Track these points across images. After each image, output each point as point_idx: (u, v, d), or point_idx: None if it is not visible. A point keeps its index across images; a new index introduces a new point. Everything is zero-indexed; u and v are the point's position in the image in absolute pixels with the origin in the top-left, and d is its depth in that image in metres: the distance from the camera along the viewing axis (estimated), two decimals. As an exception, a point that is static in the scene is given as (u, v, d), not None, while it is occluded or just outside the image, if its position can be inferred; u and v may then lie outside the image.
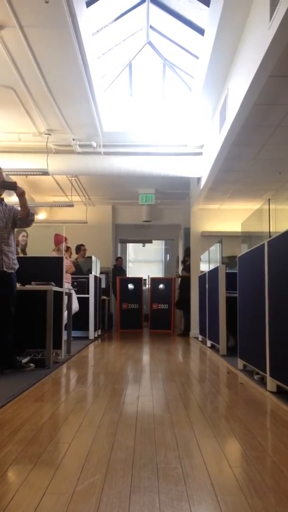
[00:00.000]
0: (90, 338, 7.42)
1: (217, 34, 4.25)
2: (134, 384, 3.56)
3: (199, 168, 7.16)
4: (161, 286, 9.91)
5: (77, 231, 9.59)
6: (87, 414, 2.58)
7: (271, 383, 3.32)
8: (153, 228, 11.73)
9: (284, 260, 3.10)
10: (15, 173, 7.01)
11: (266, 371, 3.44)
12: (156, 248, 14.24)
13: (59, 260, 4.99)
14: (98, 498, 1.47)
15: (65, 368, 4.41)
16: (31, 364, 4.18)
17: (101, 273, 8.98)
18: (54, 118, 6.18)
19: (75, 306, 6.93)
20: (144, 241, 12.89)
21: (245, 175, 6.60)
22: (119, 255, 11.89)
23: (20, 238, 5.96)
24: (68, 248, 7.62)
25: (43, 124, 6.37)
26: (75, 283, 7.61)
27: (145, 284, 10.53)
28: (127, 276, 11.18)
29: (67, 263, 6.34)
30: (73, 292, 6.40)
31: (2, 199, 4.14)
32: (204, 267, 7.84)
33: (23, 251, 6.09)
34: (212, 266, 6.75)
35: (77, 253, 8.74)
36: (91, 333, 7.49)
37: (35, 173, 7.10)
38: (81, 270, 8.24)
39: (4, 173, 4.22)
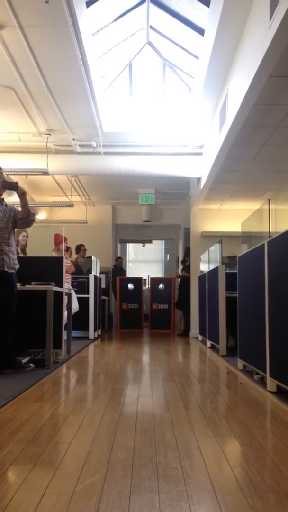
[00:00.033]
0: (90, 338, 7.42)
1: (217, 34, 4.25)
2: (134, 384, 3.56)
3: (199, 168, 7.16)
4: (161, 286, 9.91)
5: (77, 231, 9.59)
6: (87, 414, 2.58)
7: (271, 383, 3.32)
8: (153, 228, 11.73)
9: (284, 260, 3.10)
10: (15, 173, 7.01)
11: (266, 371, 3.44)
12: (156, 248, 14.24)
13: (59, 260, 4.99)
14: (98, 498, 1.47)
15: (65, 368, 4.41)
16: (31, 364, 4.18)
17: (101, 273, 8.98)
18: (54, 118, 6.18)
19: (75, 306, 6.93)
20: (144, 241, 12.90)
21: (245, 175, 6.60)
22: (119, 255, 11.89)
23: (20, 238, 5.96)
24: (68, 248, 7.62)
25: (43, 124, 6.37)
26: (75, 283, 7.61)
27: (145, 284, 10.53)
28: (127, 276, 11.18)
29: (67, 263, 6.34)
30: (73, 292, 6.40)
31: (3, 199, 4.15)
32: (204, 267, 7.84)
33: (23, 251, 6.09)
34: (212, 266, 6.75)
35: (77, 253, 8.74)
36: (91, 333, 7.49)
37: (35, 173, 7.10)
38: (81, 270, 8.23)
39: (4, 173, 4.22)
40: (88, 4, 4.49)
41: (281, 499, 1.48)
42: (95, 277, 7.93)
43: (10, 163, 6.69)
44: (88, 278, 7.75)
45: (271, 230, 4.04)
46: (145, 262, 14.06)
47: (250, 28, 3.93)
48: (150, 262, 14.14)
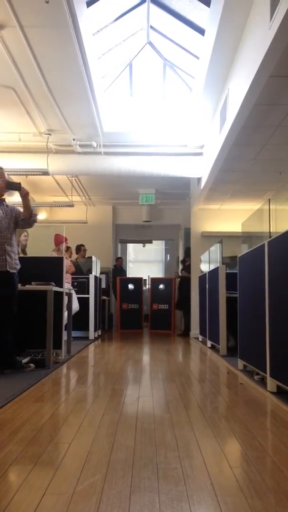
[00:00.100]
0: (90, 338, 7.41)
1: (218, 34, 4.25)
2: (134, 385, 3.56)
3: (199, 168, 7.16)
4: (161, 286, 9.90)
5: (77, 231, 9.59)
6: (87, 414, 2.58)
7: (271, 384, 3.32)
8: (153, 228, 11.73)
9: (284, 260, 3.10)
10: (15, 173, 7.00)
11: (266, 371, 3.44)
12: (156, 248, 14.24)
13: (59, 260, 4.99)
14: (98, 498, 1.47)
15: (65, 368, 4.41)
16: (31, 364, 4.18)
17: (101, 273, 8.97)
18: (54, 118, 6.18)
19: (75, 306, 6.93)
20: (144, 241, 12.89)
21: (245, 175, 6.59)
22: (119, 255, 11.89)
23: (22, 238, 5.97)
24: (68, 248, 7.62)
25: (43, 124, 6.37)
26: (75, 283, 7.61)
27: (145, 284, 10.52)
28: (127, 276, 11.18)
29: (67, 263, 6.34)
30: (73, 292, 6.40)
31: (4, 200, 4.15)
32: (205, 268, 7.84)
33: (23, 251, 6.10)
34: (212, 267, 6.74)
35: (77, 253, 8.74)
36: (91, 333, 7.49)
37: (35, 173, 7.10)
38: (81, 270, 8.23)
39: (6, 174, 4.22)
40: (89, 4, 4.49)
41: (281, 499, 1.48)
42: (95, 277, 7.93)
43: (10, 163, 6.69)
44: (88, 278, 7.75)
45: (271, 230, 4.05)
46: (145, 262, 14.06)
47: (251, 28, 3.93)
48: (150, 262, 14.14)
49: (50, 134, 6.68)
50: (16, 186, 4.02)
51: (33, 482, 1.60)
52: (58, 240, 6.68)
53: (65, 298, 5.05)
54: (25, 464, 1.78)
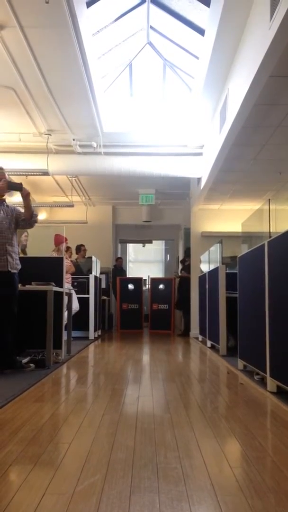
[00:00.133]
0: (90, 338, 7.41)
1: (217, 34, 4.25)
2: (134, 385, 3.56)
3: (199, 168, 7.16)
4: (161, 286, 9.91)
5: (77, 231, 9.59)
6: (87, 414, 2.58)
7: (271, 384, 3.32)
8: (153, 228, 11.73)
9: (284, 260, 3.10)
10: (15, 173, 7.00)
11: (266, 371, 3.44)
12: (156, 248, 14.24)
13: (59, 260, 4.99)
14: (98, 498, 1.47)
15: (65, 368, 4.41)
16: (31, 364, 4.18)
17: (101, 273, 8.98)
18: (54, 118, 6.18)
19: (75, 306, 6.93)
20: (144, 241, 12.90)
21: (245, 175, 6.60)
22: (119, 255, 11.89)
23: (22, 238, 5.97)
24: (68, 248, 7.62)
25: (43, 124, 6.37)
26: (75, 283, 7.61)
27: (145, 284, 10.53)
28: (127, 276, 11.18)
29: (67, 263, 6.34)
30: (73, 292, 6.40)
31: (4, 200, 4.15)
32: (204, 268, 7.84)
33: (23, 251, 6.10)
34: (212, 267, 6.75)
35: (77, 253, 8.74)
36: (91, 333, 7.49)
37: (35, 173, 7.10)
38: (81, 270, 8.24)
39: (6, 174, 4.22)
40: (89, 4, 4.49)
41: (281, 499, 1.48)
42: (95, 277, 7.93)
43: (10, 163, 6.69)
44: (88, 278, 7.75)
45: (271, 230, 4.05)
46: (145, 262, 14.07)
47: (251, 28, 3.93)
48: (150, 262, 14.15)
49: (50, 134, 6.68)
50: (17, 187, 4.02)
51: (33, 482, 1.60)
52: (58, 240, 6.68)
53: (65, 298, 5.05)
54: (25, 464, 1.78)
